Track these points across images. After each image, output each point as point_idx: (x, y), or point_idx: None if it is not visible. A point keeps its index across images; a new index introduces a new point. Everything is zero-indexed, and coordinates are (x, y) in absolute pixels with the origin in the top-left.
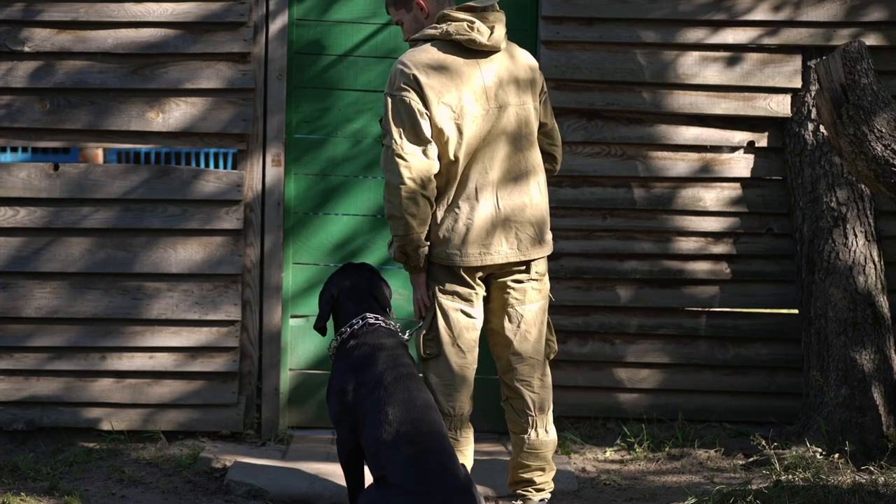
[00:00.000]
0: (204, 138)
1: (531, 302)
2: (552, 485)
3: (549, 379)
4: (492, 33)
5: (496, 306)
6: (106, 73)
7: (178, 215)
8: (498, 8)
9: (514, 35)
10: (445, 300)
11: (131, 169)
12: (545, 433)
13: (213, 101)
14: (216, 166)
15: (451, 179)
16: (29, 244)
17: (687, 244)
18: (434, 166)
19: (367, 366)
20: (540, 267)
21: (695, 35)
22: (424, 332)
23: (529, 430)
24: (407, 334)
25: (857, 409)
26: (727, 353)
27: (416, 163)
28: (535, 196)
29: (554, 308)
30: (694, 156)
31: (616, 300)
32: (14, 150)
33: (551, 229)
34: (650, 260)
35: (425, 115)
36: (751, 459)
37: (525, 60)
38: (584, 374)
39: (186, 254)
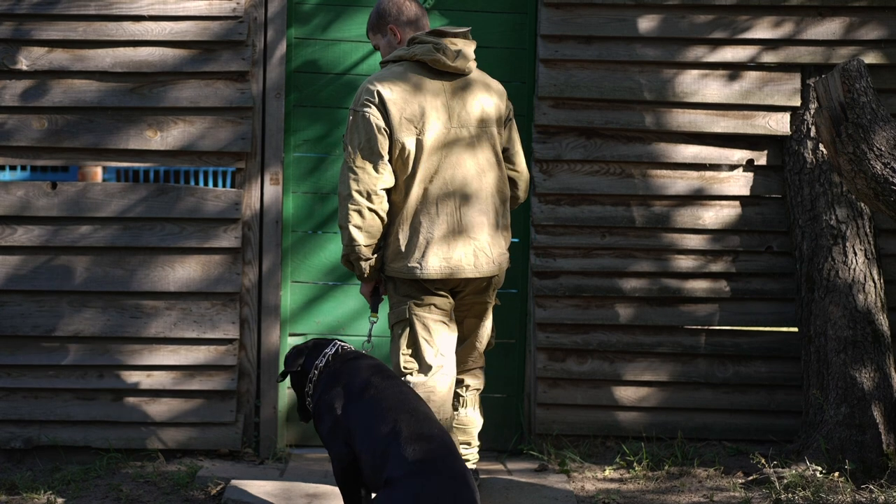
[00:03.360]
0: (202, 157)
1: (488, 316)
2: (477, 457)
3: (483, 370)
4: (457, 56)
5: (456, 316)
6: (104, 91)
7: (177, 234)
8: (469, 37)
9: (512, 53)
10: (423, 312)
11: (129, 188)
12: (474, 412)
13: (211, 119)
14: (215, 184)
15: (410, 193)
16: (27, 262)
17: (686, 262)
18: (383, 181)
19: (353, 375)
20: (499, 282)
21: (694, 53)
22: (403, 351)
23: (460, 408)
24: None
25: (857, 428)
26: (727, 371)
27: (366, 176)
28: (495, 215)
29: (553, 326)
30: (693, 174)
31: (615, 318)
32: (13, 168)
33: (550, 247)
34: (649, 278)
35: (384, 132)
36: (750, 478)
37: (492, 86)
38: (583, 392)
39: (184, 272)
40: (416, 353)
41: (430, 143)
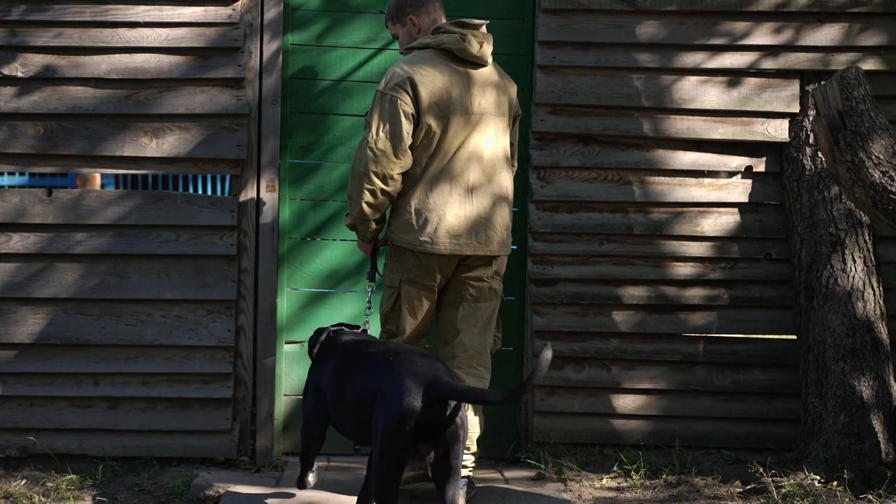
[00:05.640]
0: (198, 164)
1: (486, 300)
2: (474, 464)
3: (487, 369)
4: (481, 47)
5: (453, 299)
6: (99, 98)
7: (172, 241)
8: (487, 30)
9: (510, 59)
10: (410, 289)
11: (125, 195)
12: (474, 416)
13: (207, 126)
14: (214, 190)
15: (428, 171)
16: (22, 270)
17: (684, 269)
18: (401, 166)
19: (324, 350)
20: (501, 266)
21: (692, 59)
22: (388, 314)
23: None
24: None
25: (855, 437)
26: (725, 379)
27: (385, 160)
28: (503, 197)
29: (550, 334)
30: (691, 181)
31: (613, 326)
32: (11, 174)
33: (548, 255)
34: (647, 285)
35: (411, 117)
36: (748, 487)
37: (507, 80)
38: (580, 400)
39: (180, 279)
40: (398, 320)
41: (453, 126)
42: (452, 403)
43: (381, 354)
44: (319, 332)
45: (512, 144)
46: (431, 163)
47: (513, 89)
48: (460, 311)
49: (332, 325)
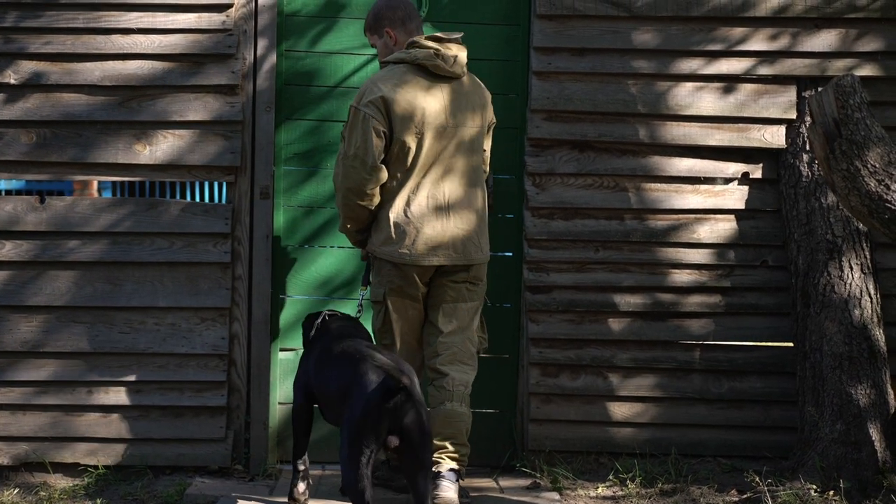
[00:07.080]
0: (191, 171)
1: (464, 300)
2: (466, 461)
3: (471, 366)
4: (454, 61)
5: (434, 302)
6: (93, 105)
7: (166, 248)
8: (461, 41)
9: (505, 65)
10: (396, 300)
11: (118, 202)
12: (460, 406)
13: (200, 133)
14: (211, 196)
15: (406, 184)
16: (15, 277)
17: (680, 276)
18: (374, 181)
19: (315, 338)
20: (479, 272)
21: (689, 65)
22: (380, 329)
23: (447, 402)
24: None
25: (852, 445)
26: (721, 386)
27: (357, 176)
28: (479, 207)
29: (546, 341)
30: (688, 187)
31: (609, 333)
32: (8, 180)
33: (543, 262)
34: (643, 293)
35: (382, 134)
36: (744, 496)
37: (481, 89)
38: (576, 408)
39: (174, 287)
40: (389, 332)
41: (428, 141)
42: (408, 392)
43: (351, 351)
44: (313, 316)
45: (484, 151)
46: (408, 177)
47: (487, 98)
48: (441, 312)
49: (327, 310)
